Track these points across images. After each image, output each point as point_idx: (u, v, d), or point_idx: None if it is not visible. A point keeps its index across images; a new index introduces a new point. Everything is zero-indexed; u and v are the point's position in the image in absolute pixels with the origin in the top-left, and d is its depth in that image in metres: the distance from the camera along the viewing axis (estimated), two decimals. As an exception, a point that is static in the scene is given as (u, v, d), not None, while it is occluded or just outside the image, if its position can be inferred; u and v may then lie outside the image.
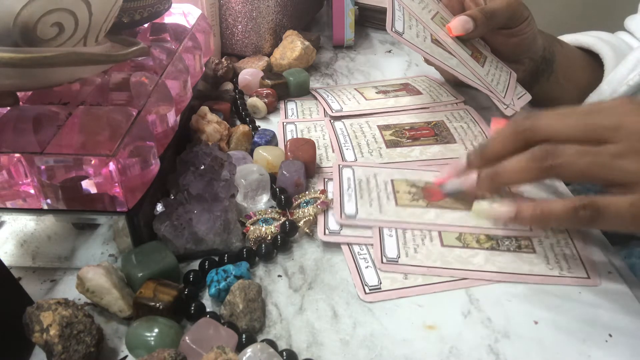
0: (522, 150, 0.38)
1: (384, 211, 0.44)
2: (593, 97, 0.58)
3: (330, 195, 0.46)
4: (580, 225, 0.38)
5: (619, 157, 0.34)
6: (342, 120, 0.57)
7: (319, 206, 0.44)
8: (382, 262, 0.40)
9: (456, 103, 0.60)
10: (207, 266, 0.39)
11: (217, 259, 0.40)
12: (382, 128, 0.55)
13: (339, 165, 0.49)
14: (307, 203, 0.45)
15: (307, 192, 0.46)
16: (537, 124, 0.38)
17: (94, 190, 0.36)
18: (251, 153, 0.51)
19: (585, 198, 0.36)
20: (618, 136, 0.35)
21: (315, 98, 0.62)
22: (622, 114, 0.35)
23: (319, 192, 0.46)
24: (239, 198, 0.46)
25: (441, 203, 0.45)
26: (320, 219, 0.44)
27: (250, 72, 0.63)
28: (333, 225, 0.44)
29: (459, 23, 0.53)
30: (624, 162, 0.34)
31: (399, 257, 0.40)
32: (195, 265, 0.41)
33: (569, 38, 0.65)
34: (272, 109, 0.60)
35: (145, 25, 0.52)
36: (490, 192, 0.41)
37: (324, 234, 0.43)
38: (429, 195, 0.46)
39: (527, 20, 0.55)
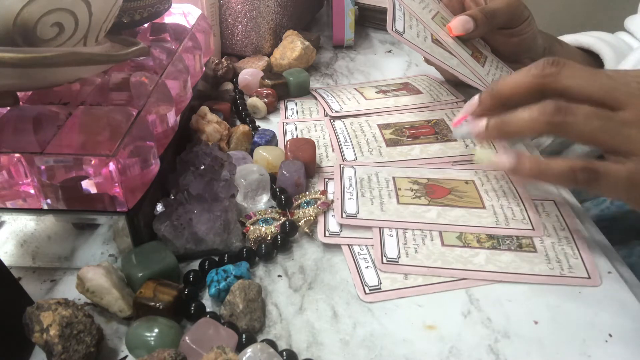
0: (535, 97, 0.38)
1: (385, 209, 0.44)
2: None
3: (330, 196, 0.46)
4: (576, 187, 0.38)
5: (628, 126, 0.35)
6: (342, 119, 0.57)
7: (319, 207, 0.44)
8: (382, 262, 0.40)
9: (456, 102, 0.60)
10: (207, 266, 0.39)
11: (217, 259, 0.40)
12: (382, 127, 0.55)
13: (340, 165, 0.49)
14: (307, 204, 0.45)
15: (307, 193, 0.46)
16: (562, 73, 0.37)
17: (94, 190, 0.36)
18: (251, 153, 0.51)
19: (586, 162, 0.36)
20: (631, 103, 0.35)
21: (315, 98, 0.62)
22: (636, 84, 0.36)
23: (319, 192, 0.46)
24: (239, 198, 0.46)
25: (443, 200, 0.45)
26: (321, 220, 0.44)
27: (250, 72, 0.63)
28: (333, 226, 0.44)
29: (460, 23, 0.53)
30: (632, 131, 0.34)
31: (399, 257, 0.40)
32: (195, 265, 0.41)
33: (569, 38, 0.65)
34: (272, 109, 0.60)
35: (145, 25, 0.52)
36: (498, 140, 0.41)
37: (324, 235, 0.43)
38: (432, 191, 0.46)
39: (527, 20, 0.55)
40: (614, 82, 0.36)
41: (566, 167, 0.36)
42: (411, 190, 0.46)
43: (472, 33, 0.54)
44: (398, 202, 0.45)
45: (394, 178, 0.48)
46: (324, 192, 0.46)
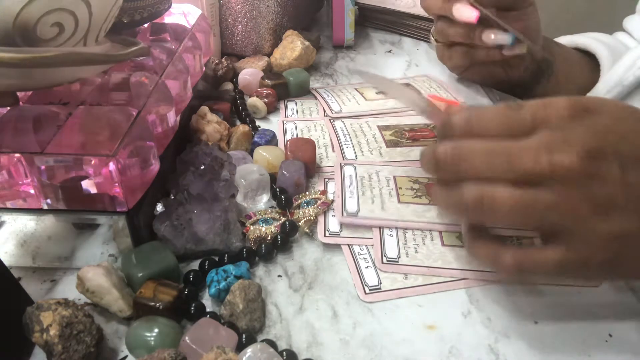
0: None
1: (385, 208, 0.44)
2: None
3: (330, 196, 0.46)
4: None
5: (551, 210, 0.31)
6: (342, 119, 0.57)
7: (319, 207, 0.44)
8: (382, 262, 0.40)
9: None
10: (207, 266, 0.39)
11: (217, 259, 0.40)
12: (382, 128, 0.55)
13: (340, 163, 0.49)
14: (307, 203, 0.45)
15: (307, 193, 0.46)
16: (462, 168, 0.33)
17: (94, 190, 0.36)
18: (251, 153, 0.51)
19: (512, 251, 0.33)
20: (550, 183, 0.30)
21: (315, 98, 0.62)
22: (556, 151, 0.30)
23: (319, 192, 0.46)
24: (239, 198, 0.46)
25: None
26: (321, 220, 0.44)
27: (250, 72, 0.63)
28: (333, 226, 0.43)
29: None
30: (555, 216, 0.31)
31: (400, 257, 0.40)
32: (195, 265, 0.41)
33: (565, 39, 0.65)
34: (272, 109, 0.60)
35: (145, 25, 0.52)
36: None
37: (324, 235, 0.43)
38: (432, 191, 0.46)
39: (532, 5, 0.56)
40: (520, 160, 0.31)
41: (490, 256, 0.34)
42: (412, 189, 0.46)
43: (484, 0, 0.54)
44: (399, 201, 0.45)
45: (394, 177, 0.48)
46: (324, 192, 0.46)
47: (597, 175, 0.30)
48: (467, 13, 0.54)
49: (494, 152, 0.32)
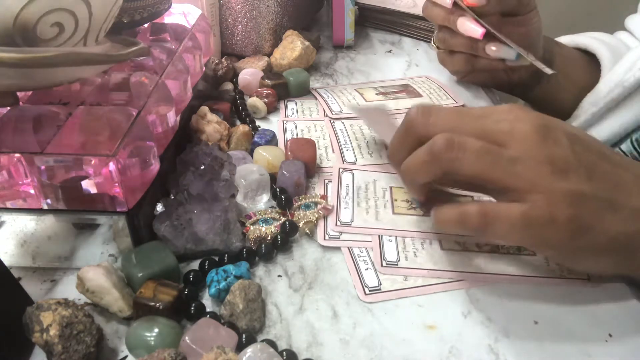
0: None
1: (380, 218, 0.44)
2: (590, 98, 0.58)
3: (330, 200, 0.46)
4: (471, 233, 0.37)
5: (515, 163, 0.34)
6: (342, 120, 0.57)
7: (320, 211, 0.44)
8: (382, 265, 0.40)
9: (456, 106, 0.60)
10: (207, 266, 0.39)
11: (217, 259, 0.40)
12: (382, 128, 0.55)
13: (339, 168, 0.49)
14: (307, 207, 0.45)
15: (307, 195, 0.46)
16: (431, 121, 0.37)
17: (94, 190, 0.36)
18: (251, 153, 0.51)
19: (478, 206, 0.34)
20: (512, 142, 0.34)
21: (316, 98, 0.62)
22: (513, 121, 0.35)
23: (319, 196, 0.46)
24: (239, 198, 0.46)
25: None
26: (320, 223, 0.44)
27: (250, 72, 0.63)
28: (333, 230, 0.43)
29: None
30: (519, 168, 0.33)
31: (399, 260, 0.40)
32: (195, 265, 0.41)
33: (566, 39, 0.65)
34: (272, 109, 0.60)
35: (145, 25, 0.52)
36: (409, 190, 0.43)
37: (324, 238, 0.43)
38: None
39: (534, 10, 0.56)
40: (485, 121, 0.36)
41: (456, 214, 0.35)
42: (407, 201, 0.46)
43: (485, 7, 0.54)
44: (393, 212, 0.45)
45: (391, 188, 0.47)
46: (325, 197, 0.46)
47: (551, 140, 0.34)
48: (472, 29, 0.54)
49: (460, 114, 0.37)
